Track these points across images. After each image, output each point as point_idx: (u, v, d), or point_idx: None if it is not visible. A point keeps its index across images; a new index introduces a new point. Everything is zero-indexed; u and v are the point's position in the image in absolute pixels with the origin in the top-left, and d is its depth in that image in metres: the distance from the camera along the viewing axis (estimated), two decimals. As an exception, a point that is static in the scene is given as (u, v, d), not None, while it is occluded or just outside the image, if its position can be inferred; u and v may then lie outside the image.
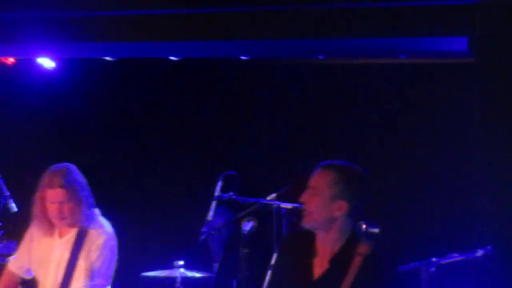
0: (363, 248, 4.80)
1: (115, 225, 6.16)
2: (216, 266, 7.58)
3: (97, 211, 5.97)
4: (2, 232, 7.56)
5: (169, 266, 7.34)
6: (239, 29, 6.25)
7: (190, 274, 7.31)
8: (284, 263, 5.09)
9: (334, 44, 6.71)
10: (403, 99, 7.52)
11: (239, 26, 6.18)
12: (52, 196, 5.76)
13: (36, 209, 5.89)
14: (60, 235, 5.91)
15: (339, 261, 4.84)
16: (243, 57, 7.62)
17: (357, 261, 4.78)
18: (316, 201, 4.81)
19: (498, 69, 4.79)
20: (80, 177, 5.89)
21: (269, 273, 5.72)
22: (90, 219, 5.89)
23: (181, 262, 7.32)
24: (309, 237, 4.90)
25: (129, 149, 8.58)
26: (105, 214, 6.03)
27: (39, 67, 7.92)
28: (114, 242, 5.95)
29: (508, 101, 4.87)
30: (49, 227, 5.90)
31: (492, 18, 4.61)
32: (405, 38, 5.90)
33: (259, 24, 6.06)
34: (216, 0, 5.92)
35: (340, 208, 4.77)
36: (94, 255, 5.82)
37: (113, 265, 5.96)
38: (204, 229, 7.02)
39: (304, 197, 4.85)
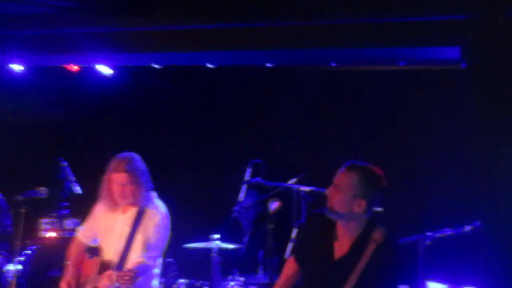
0: (377, 235, 4.79)
1: (169, 209, 6.22)
2: (246, 239, 7.62)
3: (154, 194, 6.07)
4: (68, 210, 7.67)
5: (207, 239, 7.31)
6: (265, 41, 6.30)
7: (224, 246, 7.29)
8: (308, 240, 5.07)
9: (345, 53, 6.73)
10: (403, 98, 7.50)
11: (265, 39, 6.20)
12: (117, 179, 5.88)
13: (103, 189, 6.00)
14: (123, 212, 6.02)
15: (357, 247, 4.84)
16: (268, 65, 7.68)
17: (371, 246, 4.77)
18: (338, 197, 4.80)
19: (487, 74, 4.79)
20: (142, 165, 6.00)
21: (289, 245, 5.82)
22: (148, 200, 5.99)
23: (217, 236, 7.29)
24: (330, 222, 4.89)
25: (176, 142, 8.60)
26: (160, 197, 6.12)
27: (98, 74, 7.96)
28: (167, 221, 6.04)
29: (494, 101, 4.88)
30: (113, 204, 6.01)
31: (481, 31, 4.61)
32: (405, 48, 5.87)
33: (283, 37, 6.04)
34: (247, 16, 5.93)
35: (359, 206, 4.77)
36: (150, 231, 5.91)
37: (166, 241, 6.04)
38: (236, 208, 7.12)
39: (329, 191, 4.83)
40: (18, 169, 7.47)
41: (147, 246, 5.89)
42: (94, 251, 6.11)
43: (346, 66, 7.57)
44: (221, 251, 7.36)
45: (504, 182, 4.82)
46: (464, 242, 6.07)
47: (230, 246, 7.38)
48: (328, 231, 4.95)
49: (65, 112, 9.32)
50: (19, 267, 6.43)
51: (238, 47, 6.44)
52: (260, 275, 7.25)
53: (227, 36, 6.32)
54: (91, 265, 6.03)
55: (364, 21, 5.12)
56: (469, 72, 4.90)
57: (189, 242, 7.51)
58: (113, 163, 5.93)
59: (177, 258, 7.45)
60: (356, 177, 4.82)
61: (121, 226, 5.99)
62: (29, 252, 6.99)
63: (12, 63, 8.11)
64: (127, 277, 5.52)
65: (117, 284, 5.60)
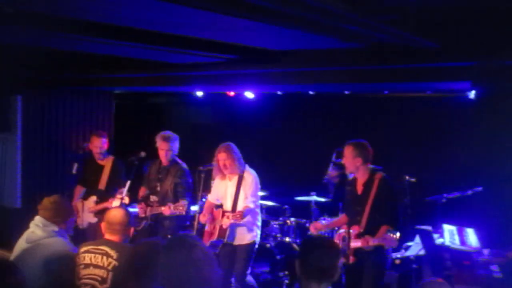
0: (378, 175, 5.14)
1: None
2: (331, 196, 7.50)
3: (247, 166, 5.87)
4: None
5: (308, 194, 7.27)
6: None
7: (318, 199, 7.23)
8: (348, 192, 5.34)
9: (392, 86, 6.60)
10: (426, 115, 7.28)
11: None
12: (219, 157, 5.76)
13: (215, 167, 5.90)
14: (230, 179, 5.88)
15: (367, 184, 5.17)
16: (346, 92, 7.58)
17: (376, 182, 5.11)
18: (347, 163, 5.21)
19: (491, 101, 4.63)
20: (235, 148, 5.80)
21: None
22: (243, 169, 5.81)
23: (314, 193, 7.26)
24: (354, 178, 5.27)
25: (294, 142, 8.42)
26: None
27: (245, 97, 7.96)
28: (257, 180, 5.84)
29: (493, 115, 4.69)
30: (223, 175, 5.89)
31: (483, 71, 4.44)
32: (431, 82, 5.70)
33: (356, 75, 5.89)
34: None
35: (358, 162, 5.12)
36: (247, 187, 5.76)
37: (258, 191, 5.90)
38: (325, 177, 7.04)
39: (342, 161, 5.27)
40: (200, 151, 7.47)
41: (247, 198, 5.76)
42: (218, 206, 6.03)
43: (395, 93, 7.35)
44: (316, 202, 7.27)
45: (498, 159, 4.59)
46: (467, 200, 5.80)
47: (322, 199, 7.27)
48: (353, 183, 5.29)
49: (226, 119, 9.37)
50: (199, 208, 6.31)
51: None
52: (340, 218, 7.11)
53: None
54: (217, 213, 5.94)
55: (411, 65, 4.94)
56: (476, 96, 4.74)
57: (298, 196, 7.42)
58: (217, 149, 5.83)
59: (290, 205, 7.37)
60: (350, 148, 5.18)
61: (230, 189, 5.87)
62: (204, 199, 6.99)
63: (195, 90, 8.23)
64: (237, 215, 5.54)
65: (232, 221, 5.59)
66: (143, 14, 3.80)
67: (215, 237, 5.77)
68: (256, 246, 5.86)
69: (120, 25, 4.35)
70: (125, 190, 6.34)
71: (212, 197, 6.08)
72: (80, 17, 4.10)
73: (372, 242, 4.94)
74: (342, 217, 5.67)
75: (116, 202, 6.42)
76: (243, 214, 5.52)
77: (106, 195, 6.74)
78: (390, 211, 5.07)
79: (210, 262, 2.84)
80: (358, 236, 5.07)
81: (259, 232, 5.90)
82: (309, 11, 3.09)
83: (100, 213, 6.65)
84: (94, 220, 6.78)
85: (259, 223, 5.92)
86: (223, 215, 5.76)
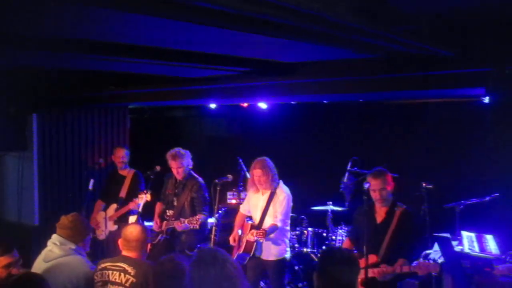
0: (400, 207, 4.95)
1: (303, 187, 6.13)
2: (347, 204, 7.47)
3: (281, 182, 5.88)
4: (242, 187, 7.60)
5: (325, 204, 7.26)
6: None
7: (335, 208, 7.21)
8: (361, 220, 5.03)
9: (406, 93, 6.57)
10: (443, 122, 7.21)
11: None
12: (255, 173, 5.78)
13: (250, 180, 5.95)
14: (262, 194, 5.87)
15: (389, 215, 4.96)
16: (361, 100, 7.55)
17: (397, 213, 4.91)
18: (384, 193, 4.93)
19: (504, 105, 4.60)
20: (271, 163, 5.82)
21: (351, 226, 5.71)
22: (276, 185, 5.81)
23: (330, 202, 7.26)
24: (370, 205, 5.03)
25: (308, 152, 8.48)
26: (287, 183, 5.98)
27: (259, 108, 7.96)
28: (289, 198, 5.83)
29: (509, 123, 4.66)
30: (256, 189, 5.90)
31: (497, 78, 4.42)
32: (446, 90, 5.60)
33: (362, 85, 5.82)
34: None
35: (387, 191, 4.94)
36: (278, 205, 5.75)
37: (289, 210, 5.87)
38: (342, 186, 7.02)
39: (377, 195, 4.93)
40: (215, 163, 7.51)
41: (277, 214, 5.74)
42: (250, 218, 6.02)
43: (406, 100, 7.32)
44: (333, 211, 7.26)
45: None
46: (485, 206, 5.67)
47: (338, 208, 7.24)
48: (371, 211, 5.04)
49: (240, 130, 9.40)
50: (215, 220, 6.40)
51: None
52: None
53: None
54: (246, 227, 5.95)
55: (427, 73, 4.92)
56: (490, 100, 4.72)
57: (314, 206, 7.40)
58: (253, 164, 5.84)
59: (307, 215, 7.35)
60: (380, 179, 4.93)
61: (261, 203, 5.86)
62: (220, 211, 7.01)
63: (210, 103, 8.25)
64: (261, 233, 5.49)
65: (255, 238, 5.56)
66: (159, 33, 3.83)
67: (241, 251, 5.79)
68: (287, 261, 5.94)
69: (135, 44, 4.39)
70: (145, 196, 6.43)
71: (243, 208, 6.11)
72: (96, 38, 4.14)
73: (400, 270, 4.67)
74: (346, 242, 5.49)
75: (140, 200, 6.48)
76: (266, 233, 5.49)
77: (126, 202, 6.85)
78: (410, 245, 4.89)
79: (241, 276, 2.85)
80: (374, 266, 4.82)
81: (288, 248, 5.90)
82: (324, 25, 3.09)
83: (120, 221, 6.82)
84: (114, 228, 6.91)
85: (287, 240, 5.92)
86: (250, 230, 5.76)
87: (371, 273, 4.77)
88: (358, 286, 4.69)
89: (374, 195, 4.97)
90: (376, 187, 4.93)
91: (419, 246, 5.19)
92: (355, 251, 5.02)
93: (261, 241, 5.60)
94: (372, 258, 4.85)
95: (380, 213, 5.01)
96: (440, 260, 5.86)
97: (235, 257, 5.76)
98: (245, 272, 5.81)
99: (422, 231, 5.68)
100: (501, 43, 4.25)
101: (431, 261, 4.81)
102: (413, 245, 4.94)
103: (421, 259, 4.78)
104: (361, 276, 4.69)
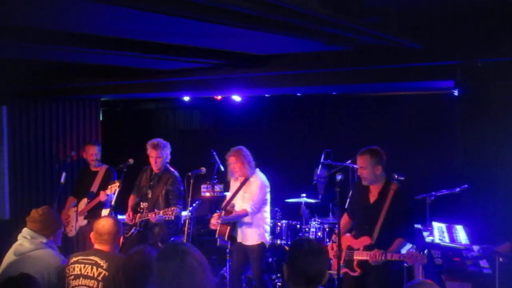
0: (393, 186, 4.92)
1: (276, 179, 6.21)
2: (320, 196, 7.54)
3: (257, 170, 6.00)
4: (216, 180, 7.67)
5: (298, 196, 7.32)
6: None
7: (308, 200, 7.27)
8: (354, 197, 5.19)
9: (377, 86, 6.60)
10: (413, 114, 7.34)
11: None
12: (230, 161, 5.97)
13: (229, 169, 6.08)
14: (240, 181, 6.05)
15: (382, 194, 4.92)
16: (334, 93, 7.59)
17: (391, 193, 4.88)
18: (365, 172, 4.92)
19: (472, 98, 4.69)
20: (246, 152, 5.95)
21: (348, 200, 5.73)
22: (251, 173, 5.96)
23: (304, 194, 7.31)
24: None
25: (281, 143, 8.57)
26: (273, 174, 6.12)
27: (232, 100, 7.96)
28: (263, 184, 5.96)
29: (475, 110, 4.74)
30: (235, 177, 6.08)
31: (466, 71, 4.50)
32: (415, 82, 5.68)
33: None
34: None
35: (379, 169, 4.89)
36: (250, 191, 5.93)
37: (263, 197, 5.98)
38: (315, 178, 7.08)
39: (359, 173, 4.97)
40: (188, 156, 7.50)
41: (252, 200, 5.90)
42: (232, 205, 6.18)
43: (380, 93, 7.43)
44: (306, 203, 7.31)
45: (483, 157, 4.64)
46: (455, 197, 5.79)
47: (312, 200, 7.31)
48: (365, 189, 5.03)
49: (213, 122, 9.40)
50: (189, 213, 6.41)
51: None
52: (330, 218, 7.17)
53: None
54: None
55: (396, 66, 4.99)
56: (459, 94, 4.81)
57: (288, 198, 7.46)
58: (230, 153, 5.98)
59: (281, 208, 7.40)
60: (367, 156, 4.88)
61: (234, 188, 6.08)
62: (194, 204, 7.01)
63: (183, 96, 8.22)
64: (216, 216, 5.92)
65: (217, 221, 5.87)
66: (130, 25, 3.81)
67: (217, 234, 6.04)
68: (266, 246, 6.10)
69: (106, 35, 4.37)
70: (115, 186, 6.38)
71: (227, 199, 6.29)
72: (67, 28, 4.11)
73: (391, 257, 4.67)
74: (344, 217, 5.43)
75: (108, 191, 6.46)
76: (220, 216, 5.83)
77: (97, 196, 6.76)
78: (405, 224, 4.85)
79: (203, 269, 2.82)
80: (368, 248, 4.84)
81: (267, 233, 6.07)
82: (292, 16, 3.12)
83: (90, 216, 6.72)
84: (84, 222, 6.80)
85: (267, 226, 6.09)
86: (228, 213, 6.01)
87: (364, 255, 4.82)
88: (354, 267, 4.87)
89: (360, 174, 5.05)
90: (358, 164, 5.03)
91: (414, 225, 5.21)
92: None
93: (220, 222, 5.87)
94: (366, 240, 4.89)
95: (373, 193, 5.00)
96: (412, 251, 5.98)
97: (218, 241, 6.12)
98: (229, 255, 6.13)
99: (416, 209, 5.63)
100: (469, 35, 4.32)
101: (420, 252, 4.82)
102: (408, 224, 4.92)
103: (411, 249, 4.77)
104: (356, 257, 4.87)
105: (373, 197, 4.99)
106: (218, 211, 6.11)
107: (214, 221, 5.90)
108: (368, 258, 4.77)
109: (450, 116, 6.60)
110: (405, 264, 5.21)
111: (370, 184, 5.00)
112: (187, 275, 2.74)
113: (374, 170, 4.89)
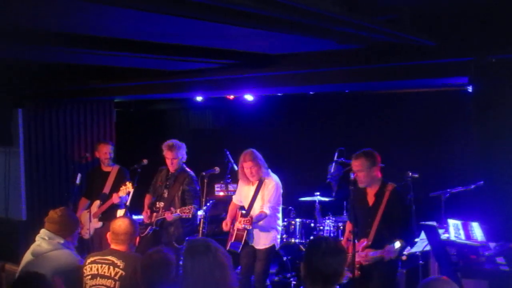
0: (390, 187, 4.95)
1: (290, 178, 6.19)
2: (334, 194, 7.54)
3: (269, 171, 5.97)
4: (230, 180, 7.66)
5: (312, 194, 7.31)
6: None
7: (322, 198, 7.27)
8: (354, 201, 5.14)
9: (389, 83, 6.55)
10: (427, 111, 7.29)
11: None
12: (246, 166, 5.88)
13: (240, 173, 6.02)
14: (253, 184, 5.98)
15: (379, 195, 4.95)
16: (346, 90, 7.58)
17: (387, 194, 4.91)
18: (362, 175, 4.93)
19: (486, 94, 4.65)
20: (259, 154, 5.90)
21: (348, 207, 5.78)
22: (266, 174, 5.91)
23: (318, 193, 7.30)
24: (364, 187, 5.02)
25: (296, 142, 8.55)
26: (278, 170, 6.07)
27: (245, 100, 7.98)
28: (278, 185, 5.94)
29: (490, 108, 4.71)
30: (247, 180, 6.00)
31: (479, 67, 4.47)
32: (429, 79, 5.65)
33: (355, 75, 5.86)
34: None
35: (374, 171, 4.92)
36: (266, 192, 5.87)
37: (278, 197, 5.97)
38: (328, 176, 7.09)
39: (356, 176, 4.92)
40: (201, 156, 7.54)
41: (266, 201, 5.86)
42: (242, 208, 6.13)
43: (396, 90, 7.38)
44: (320, 201, 7.31)
45: (498, 154, 4.60)
46: (471, 194, 5.75)
47: (325, 198, 7.31)
48: (362, 193, 5.05)
49: (226, 122, 9.42)
50: (203, 213, 6.44)
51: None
52: (344, 216, 7.14)
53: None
54: (238, 216, 6.04)
55: (409, 63, 4.98)
56: (473, 91, 4.77)
57: (301, 197, 7.46)
58: (242, 156, 5.92)
59: (295, 206, 7.41)
60: (362, 159, 4.90)
61: (251, 192, 5.97)
62: (208, 204, 7.05)
63: (195, 96, 8.26)
64: (247, 221, 5.65)
65: (242, 225, 5.72)
66: (144, 27, 3.85)
67: (233, 239, 5.92)
68: (276, 249, 6.09)
69: (120, 37, 4.41)
70: (127, 188, 6.44)
71: (236, 199, 6.21)
72: (81, 32, 4.15)
73: (371, 255, 4.79)
74: (348, 225, 5.51)
75: (121, 193, 6.52)
76: (252, 220, 5.64)
77: (109, 198, 6.81)
78: (402, 224, 4.88)
79: (230, 265, 2.98)
80: (365, 249, 4.89)
81: (278, 236, 6.05)
82: (305, 16, 3.14)
83: (105, 218, 6.79)
84: (98, 224, 6.86)
85: (279, 228, 6.08)
86: (240, 218, 5.90)
87: (358, 258, 4.85)
88: (355, 271, 4.81)
89: (356, 176, 5.03)
90: (354, 168, 5.01)
91: (412, 224, 5.18)
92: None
93: (248, 228, 5.72)
94: (364, 242, 4.92)
95: (370, 196, 5.03)
96: (428, 248, 5.96)
97: (228, 246, 5.88)
98: (238, 260, 6.03)
99: (411, 210, 5.59)
100: (482, 32, 4.30)
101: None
102: (404, 224, 4.93)
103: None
104: (357, 259, 4.85)
105: (371, 200, 5.03)
106: (242, 216, 6.00)
107: (239, 227, 5.80)
108: (359, 259, 4.86)
109: (464, 113, 6.57)
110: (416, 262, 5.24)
111: (367, 187, 5.03)
112: (219, 270, 2.89)
113: (370, 172, 4.93)
